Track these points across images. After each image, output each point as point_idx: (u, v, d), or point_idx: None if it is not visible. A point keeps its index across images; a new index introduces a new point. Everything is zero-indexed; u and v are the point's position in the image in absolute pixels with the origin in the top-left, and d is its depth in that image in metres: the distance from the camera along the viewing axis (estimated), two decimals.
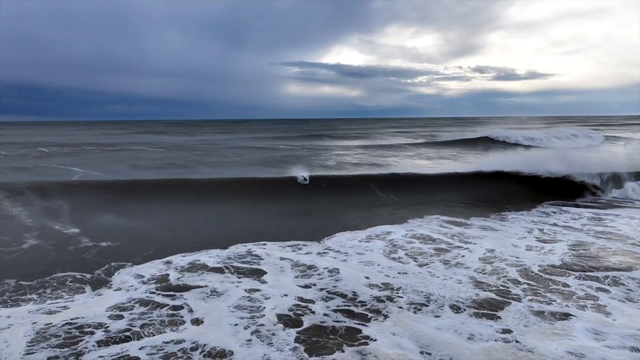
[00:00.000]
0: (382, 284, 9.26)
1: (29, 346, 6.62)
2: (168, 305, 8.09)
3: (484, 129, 48.56)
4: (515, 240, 12.74)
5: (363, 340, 6.93)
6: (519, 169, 20.52)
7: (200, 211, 15.24)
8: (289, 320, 7.55)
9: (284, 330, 7.22)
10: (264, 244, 12.41)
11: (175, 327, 7.30)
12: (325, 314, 7.82)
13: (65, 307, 7.94)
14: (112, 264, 10.17)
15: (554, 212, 16.63)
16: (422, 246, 12.18)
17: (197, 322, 7.46)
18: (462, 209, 16.68)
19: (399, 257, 11.22)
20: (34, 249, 11.15)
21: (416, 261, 10.82)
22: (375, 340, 6.95)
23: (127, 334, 7.06)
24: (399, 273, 9.93)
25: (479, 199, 18.17)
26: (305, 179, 17.57)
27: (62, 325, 7.27)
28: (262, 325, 7.38)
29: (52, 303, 8.14)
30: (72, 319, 7.48)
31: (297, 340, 6.92)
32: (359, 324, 7.48)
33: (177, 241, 12.13)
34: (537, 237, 13.02)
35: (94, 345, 6.70)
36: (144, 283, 9.19)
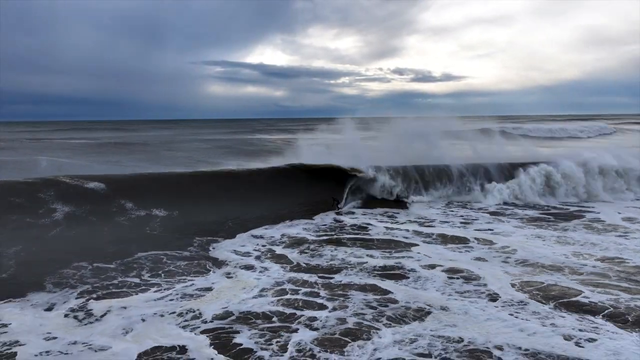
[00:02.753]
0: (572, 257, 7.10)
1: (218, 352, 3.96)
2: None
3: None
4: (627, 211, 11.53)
5: None
6: None
7: (252, 196, 12.18)
8: (557, 302, 5.12)
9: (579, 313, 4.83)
10: (352, 212, 10.17)
11: (414, 320, 4.74)
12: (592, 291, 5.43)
13: (197, 293, 5.28)
14: (199, 238, 7.38)
15: None
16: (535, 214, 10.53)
17: (428, 312, 4.96)
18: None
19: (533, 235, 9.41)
20: (84, 223, 7.93)
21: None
22: None
23: (348, 326, 4.61)
24: (564, 249, 7.82)
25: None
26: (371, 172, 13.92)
27: (228, 316, 4.66)
28: (535, 311, 4.91)
29: (179, 288, 5.39)
30: (227, 308, 4.86)
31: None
32: None
33: (245, 217, 9.43)
34: None
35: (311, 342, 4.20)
36: (261, 260, 6.60)
